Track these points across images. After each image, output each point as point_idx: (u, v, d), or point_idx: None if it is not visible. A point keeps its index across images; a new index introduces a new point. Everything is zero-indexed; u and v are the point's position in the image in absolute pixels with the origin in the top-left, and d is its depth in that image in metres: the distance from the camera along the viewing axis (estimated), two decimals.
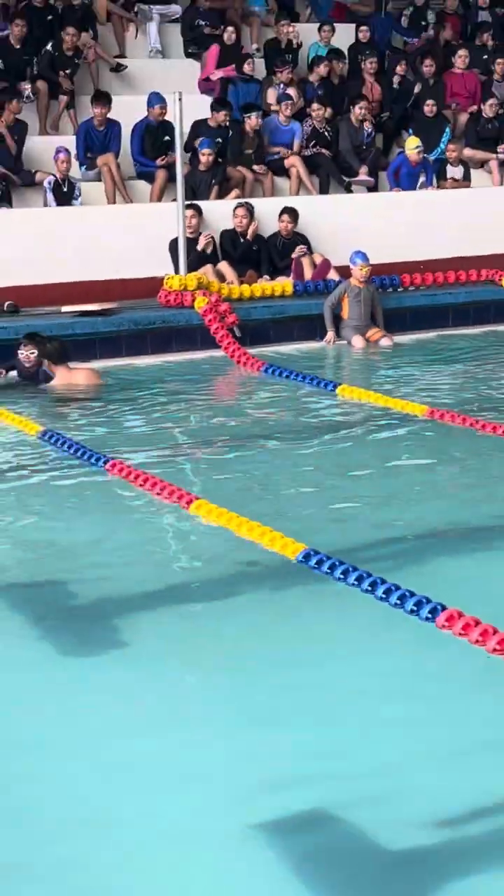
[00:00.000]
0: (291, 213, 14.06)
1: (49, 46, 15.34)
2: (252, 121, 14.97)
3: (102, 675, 5.86)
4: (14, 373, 11.57)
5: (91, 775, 4.86)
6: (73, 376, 11.34)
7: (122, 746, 5.07)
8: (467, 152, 16.21)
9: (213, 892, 4.11)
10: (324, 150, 15.48)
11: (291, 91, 15.75)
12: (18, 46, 15.22)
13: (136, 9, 16.81)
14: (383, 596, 6.40)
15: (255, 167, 14.95)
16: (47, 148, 14.40)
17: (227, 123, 15.17)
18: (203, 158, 14.44)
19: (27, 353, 11.22)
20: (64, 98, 15.33)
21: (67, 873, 4.21)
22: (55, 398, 11.12)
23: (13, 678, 5.84)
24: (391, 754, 4.92)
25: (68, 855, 4.31)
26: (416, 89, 16.81)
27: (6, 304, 12.67)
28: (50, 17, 15.70)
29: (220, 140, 14.90)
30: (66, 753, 5.04)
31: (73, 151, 14.38)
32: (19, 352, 11.31)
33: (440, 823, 4.35)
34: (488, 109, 16.48)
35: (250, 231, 13.94)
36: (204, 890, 4.11)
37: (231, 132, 15.07)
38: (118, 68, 16.26)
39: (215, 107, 15.26)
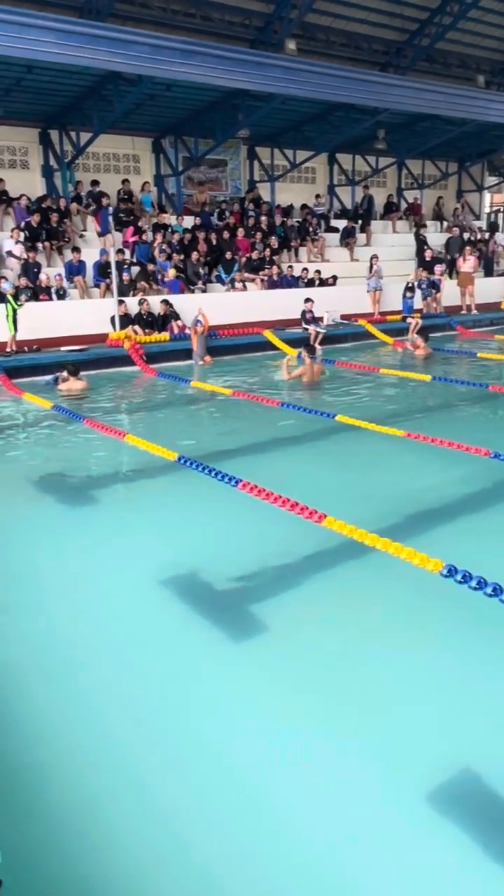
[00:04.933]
0: (166, 301, 14.25)
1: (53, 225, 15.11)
2: (150, 267, 15.15)
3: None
4: (51, 378, 10.95)
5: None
6: (74, 383, 10.71)
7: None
8: (245, 275, 16.53)
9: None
10: (181, 274, 15.67)
11: (166, 248, 15.74)
12: (34, 226, 14.91)
13: (90, 208, 16.18)
14: (216, 477, 5.74)
15: (151, 283, 14.94)
16: (50, 273, 14.30)
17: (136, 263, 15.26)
18: (126, 278, 14.57)
19: (66, 373, 10.57)
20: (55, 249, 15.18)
21: None
22: (64, 394, 10.40)
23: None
24: None
25: None
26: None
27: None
28: (50, 212, 15.31)
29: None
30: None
31: (63, 274, 14.35)
32: (62, 373, 10.58)
33: None
34: (255, 255, 16.54)
35: (144, 309, 13.86)
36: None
37: (139, 270, 14.98)
38: (82, 235, 15.90)
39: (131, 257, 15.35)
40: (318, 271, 17.48)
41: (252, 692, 3.28)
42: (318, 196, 20.82)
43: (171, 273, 15.07)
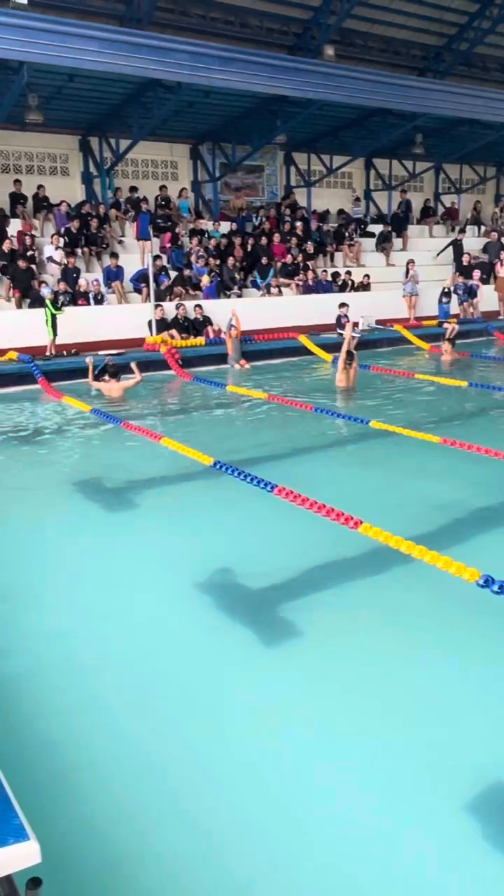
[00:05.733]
0: (200, 306, 14.18)
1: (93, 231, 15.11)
2: (186, 272, 15.10)
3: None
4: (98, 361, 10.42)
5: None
6: (113, 386, 10.41)
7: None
8: (281, 280, 16.35)
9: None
10: (217, 278, 15.53)
11: (203, 253, 15.69)
12: (74, 232, 14.97)
13: (128, 214, 16.35)
14: (250, 481, 5.68)
15: (181, 290, 14.98)
16: (88, 278, 14.30)
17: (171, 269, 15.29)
18: (163, 286, 14.64)
19: (108, 376, 10.35)
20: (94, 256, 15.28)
21: None
22: (105, 399, 10.27)
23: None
24: None
25: None
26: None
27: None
28: (89, 217, 15.36)
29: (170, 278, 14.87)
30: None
31: (101, 279, 14.43)
32: (107, 362, 10.40)
33: None
34: (290, 260, 16.61)
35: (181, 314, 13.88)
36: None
37: (176, 275, 15.05)
38: (120, 242, 16.02)
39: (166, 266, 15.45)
40: (348, 272, 17.42)
41: (285, 699, 3.22)
42: (356, 199, 20.74)
43: (206, 279, 15.11)
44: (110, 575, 4.58)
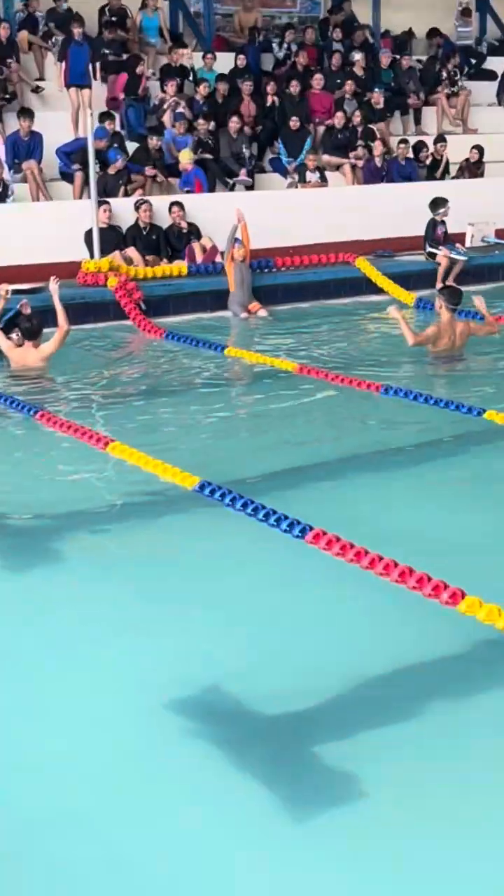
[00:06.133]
0: (179, 205, 14.01)
1: None
2: (153, 141, 14.96)
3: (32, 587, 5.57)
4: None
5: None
6: (28, 353, 10.42)
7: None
8: (325, 158, 16.20)
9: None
10: (208, 156, 15.41)
11: (184, 110, 15.68)
12: None
13: (52, 40, 16.34)
14: (263, 518, 6.25)
15: (152, 171, 14.78)
16: None
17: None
18: (113, 168, 14.39)
19: (16, 335, 10.52)
20: None
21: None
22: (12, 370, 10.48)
23: None
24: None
25: None
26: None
27: None
28: None
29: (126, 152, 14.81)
30: None
31: (3, 156, 14.12)
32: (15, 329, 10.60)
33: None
34: (339, 122, 16.51)
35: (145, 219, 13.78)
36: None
37: (137, 147, 15.08)
38: (37, 90, 16.00)
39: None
40: (442, 142, 17.01)
41: None
42: (463, 11, 20.44)
43: (188, 156, 15.03)
44: (18, 692, 4.66)
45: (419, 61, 19.19)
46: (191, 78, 16.76)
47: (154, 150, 15.20)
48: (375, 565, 5.44)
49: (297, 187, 15.83)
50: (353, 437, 8.51)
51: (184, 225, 14.15)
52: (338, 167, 16.40)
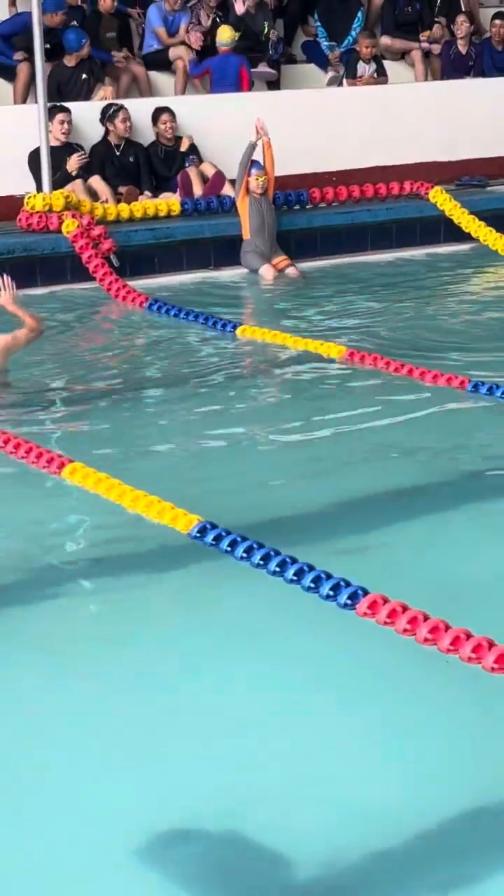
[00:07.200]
0: (169, 112, 14.08)
1: None
2: (107, 3, 15.15)
3: None
4: None
5: None
6: None
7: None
8: (384, 41, 16.31)
9: None
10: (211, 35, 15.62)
11: None
12: None
13: None
14: (294, 578, 6.33)
15: (115, 53, 15.02)
16: None
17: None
18: (72, 58, 14.55)
19: None
20: None
21: None
22: None
23: None
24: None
25: None
26: None
27: None
28: None
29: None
30: None
31: None
32: None
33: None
34: None
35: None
36: None
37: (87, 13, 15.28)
38: None
39: None
40: None
41: None
42: None
43: (229, 34, 15.17)
44: None
45: None
46: None
47: (129, 32, 15.40)
48: (459, 643, 5.51)
49: (342, 84, 15.90)
50: (436, 455, 8.68)
51: (184, 142, 14.21)
52: (403, 54, 16.67)
